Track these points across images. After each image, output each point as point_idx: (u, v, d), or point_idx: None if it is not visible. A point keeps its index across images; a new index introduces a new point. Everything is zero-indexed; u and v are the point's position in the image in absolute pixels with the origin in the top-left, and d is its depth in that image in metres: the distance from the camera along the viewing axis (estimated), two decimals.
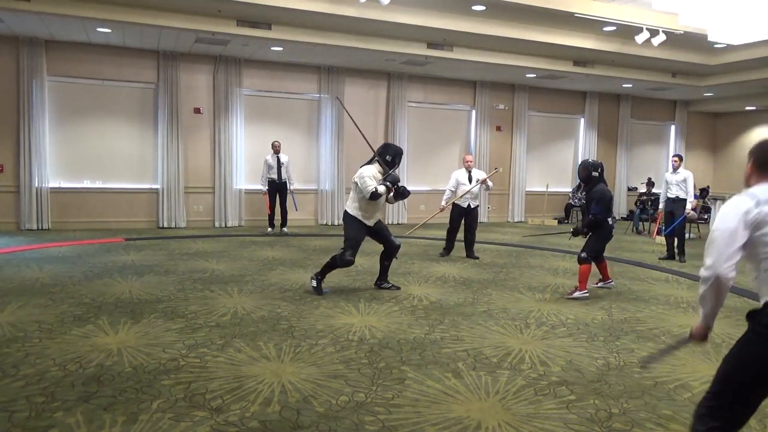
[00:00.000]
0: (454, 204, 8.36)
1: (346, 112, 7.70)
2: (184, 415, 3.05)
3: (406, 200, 12.25)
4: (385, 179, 5.83)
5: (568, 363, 4.03)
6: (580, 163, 6.36)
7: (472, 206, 8.35)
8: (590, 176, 6.09)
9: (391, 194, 5.90)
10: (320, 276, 5.90)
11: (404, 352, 4.14)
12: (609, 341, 4.58)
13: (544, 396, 3.45)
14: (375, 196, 5.73)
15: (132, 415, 3.03)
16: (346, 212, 5.94)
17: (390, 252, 6.08)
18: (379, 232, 6.01)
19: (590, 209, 6.05)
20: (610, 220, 6.04)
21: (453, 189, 8.43)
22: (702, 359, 4.22)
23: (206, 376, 3.59)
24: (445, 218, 8.74)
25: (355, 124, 6.75)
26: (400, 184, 5.94)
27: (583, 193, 13.75)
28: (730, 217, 2.14)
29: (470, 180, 8.30)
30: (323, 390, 3.42)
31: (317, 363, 3.88)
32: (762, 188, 2.18)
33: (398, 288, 6.16)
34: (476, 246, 8.59)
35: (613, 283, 6.50)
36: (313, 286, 5.85)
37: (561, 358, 4.12)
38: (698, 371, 3.96)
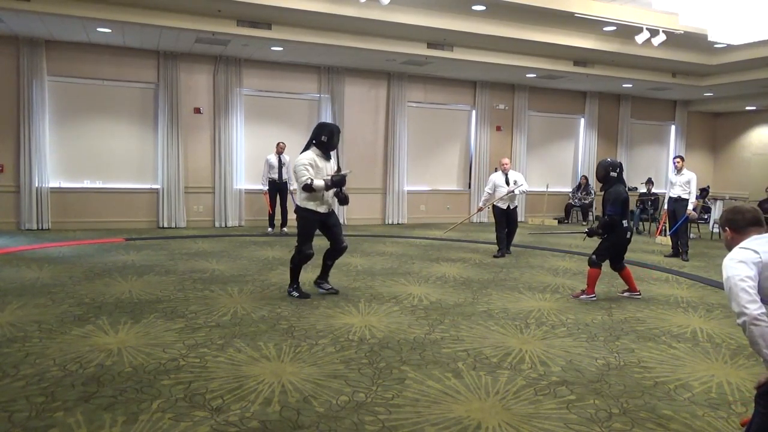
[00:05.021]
0: (494, 206, 8.56)
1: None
2: (184, 415, 3.05)
3: (401, 198, 12.42)
4: (332, 178, 5.38)
5: (568, 363, 4.03)
6: (598, 162, 6.10)
7: (512, 207, 8.53)
8: (608, 176, 5.84)
9: (331, 193, 5.46)
10: (295, 284, 5.64)
11: (404, 352, 4.14)
12: (609, 341, 4.58)
13: (544, 396, 3.45)
14: (308, 188, 5.23)
15: (132, 415, 3.03)
16: (296, 206, 5.51)
17: (335, 252, 5.71)
18: (331, 228, 5.61)
19: (605, 210, 5.82)
20: (625, 222, 5.81)
21: (490, 191, 8.61)
22: (702, 359, 4.22)
23: (206, 376, 3.59)
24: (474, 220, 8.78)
25: None
26: (343, 189, 5.48)
27: (583, 192, 13.86)
28: (740, 265, 2.32)
29: (507, 182, 8.41)
30: (323, 390, 3.42)
31: (317, 363, 3.88)
32: (752, 241, 2.40)
33: (336, 292, 5.78)
34: (480, 246, 8.61)
35: (640, 295, 6.14)
36: (296, 296, 5.58)
37: (561, 358, 4.12)
38: (698, 371, 3.96)
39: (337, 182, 5.41)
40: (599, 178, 5.97)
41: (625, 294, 6.18)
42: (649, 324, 5.13)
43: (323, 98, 11.83)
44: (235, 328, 4.61)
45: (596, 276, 5.87)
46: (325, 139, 5.39)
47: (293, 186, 10.58)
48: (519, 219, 13.62)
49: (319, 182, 5.28)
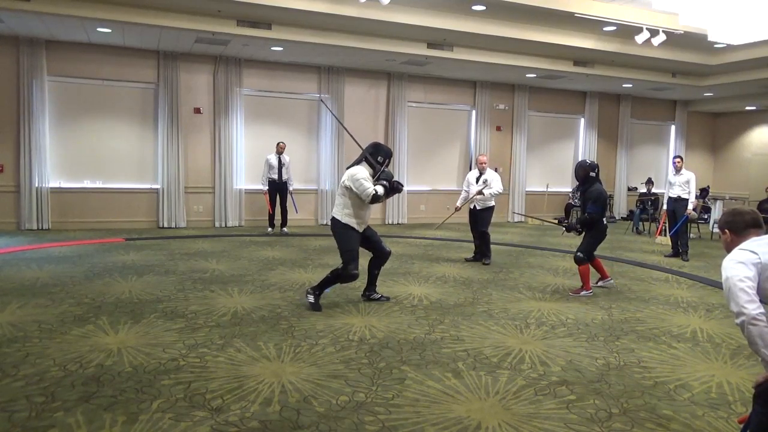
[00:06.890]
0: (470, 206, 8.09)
1: (333, 114, 6.75)
2: (184, 415, 3.05)
3: (401, 198, 12.41)
4: (378, 178, 5.29)
5: (568, 363, 4.03)
6: (576, 163, 6.42)
7: (478, 208, 7.90)
8: (588, 176, 6.19)
9: (370, 212, 5.44)
10: (318, 291, 5.33)
11: (404, 352, 4.14)
12: (609, 341, 4.58)
13: (544, 396, 3.45)
14: (376, 198, 5.19)
15: (132, 415, 3.03)
16: (336, 221, 5.31)
17: (380, 260, 5.62)
18: (369, 239, 5.48)
19: (586, 208, 6.14)
20: (604, 219, 6.16)
21: (466, 189, 8.09)
22: (702, 359, 4.22)
23: (206, 376, 3.59)
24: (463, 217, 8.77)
25: (342, 125, 6.54)
26: (393, 179, 5.42)
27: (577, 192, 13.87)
28: (739, 266, 2.33)
29: (477, 181, 7.91)
30: (323, 390, 3.42)
31: (317, 363, 3.88)
32: (751, 242, 2.41)
33: (388, 299, 5.71)
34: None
35: (612, 281, 6.60)
36: (311, 302, 5.27)
37: (561, 358, 4.12)
38: (698, 371, 3.96)
39: (388, 177, 5.34)
40: (580, 179, 6.30)
41: (599, 283, 6.53)
42: (649, 324, 5.13)
43: (323, 98, 11.83)
44: (235, 328, 4.61)
45: (587, 271, 6.16)
46: (381, 160, 5.33)
47: (293, 186, 10.63)
48: (519, 219, 13.84)
49: (379, 188, 5.23)
